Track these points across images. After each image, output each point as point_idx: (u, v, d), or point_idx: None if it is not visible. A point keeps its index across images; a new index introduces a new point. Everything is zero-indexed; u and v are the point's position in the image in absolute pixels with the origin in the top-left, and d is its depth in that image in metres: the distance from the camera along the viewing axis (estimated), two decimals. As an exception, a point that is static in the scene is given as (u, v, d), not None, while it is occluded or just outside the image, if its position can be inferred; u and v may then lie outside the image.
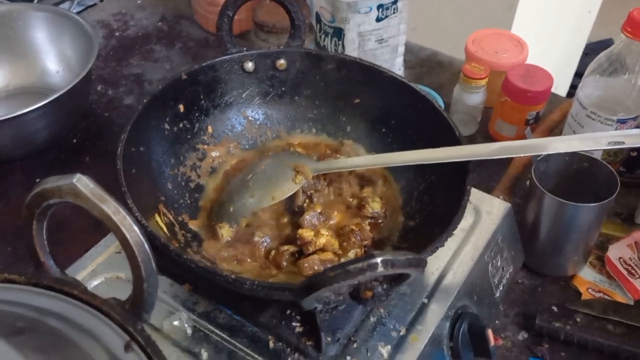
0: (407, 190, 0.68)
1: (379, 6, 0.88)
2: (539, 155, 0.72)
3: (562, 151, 0.63)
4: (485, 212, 0.69)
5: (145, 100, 0.62)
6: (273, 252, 0.61)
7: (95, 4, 1.24)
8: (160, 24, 1.20)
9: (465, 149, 0.61)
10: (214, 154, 0.70)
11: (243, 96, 0.73)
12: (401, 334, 0.57)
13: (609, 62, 0.78)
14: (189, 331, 0.56)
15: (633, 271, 0.75)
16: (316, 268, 0.57)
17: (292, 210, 0.65)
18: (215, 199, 0.67)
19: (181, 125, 0.68)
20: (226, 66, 0.70)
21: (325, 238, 0.59)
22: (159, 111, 0.65)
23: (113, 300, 0.41)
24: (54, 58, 0.99)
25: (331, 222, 0.63)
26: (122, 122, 0.96)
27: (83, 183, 0.37)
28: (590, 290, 0.75)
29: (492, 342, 0.60)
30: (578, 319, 0.71)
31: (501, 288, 0.70)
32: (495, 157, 0.60)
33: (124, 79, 1.06)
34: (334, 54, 0.73)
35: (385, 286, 0.47)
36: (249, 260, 0.60)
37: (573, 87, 1.85)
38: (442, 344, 0.59)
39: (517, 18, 1.48)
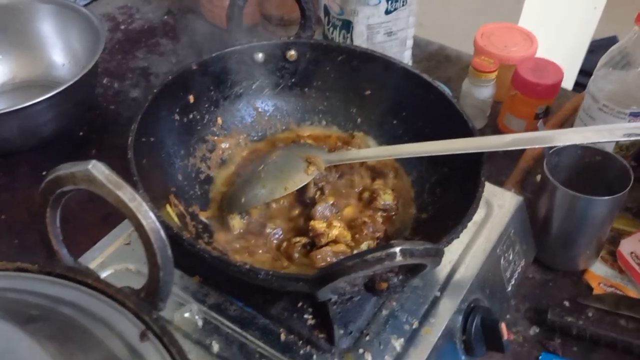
0: (420, 182, 0.67)
1: (388, -2, 0.87)
2: (551, 148, 0.72)
3: (576, 142, 0.63)
4: (497, 206, 0.68)
5: (155, 90, 0.62)
6: (285, 244, 0.60)
7: (101, -3, 1.24)
8: (166, 17, 1.19)
9: (478, 141, 0.60)
10: (223, 145, 0.70)
11: (253, 87, 0.72)
12: (414, 327, 0.56)
13: (621, 55, 0.77)
14: (200, 323, 0.56)
15: (645, 266, 0.74)
16: (329, 260, 0.57)
17: (304, 201, 0.64)
18: (225, 190, 0.67)
19: (191, 116, 0.68)
20: (236, 57, 0.69)
21: (337, 230, 0.59)
22: (169, 102, 0.65)
23: (127, 288, 0.40)
24: (60, 51, 0.98)
25: (343, 214, 0.63)
26: (128, 115, 0.96)
27: (98, 169, 0.37)
28: (602, 285, 0.75)
29: (505, 335, 0.59)
30: (590, 314, 0.70)
31: (513, 282, 0.70)
32: (509, 149, 0.60)
33: (130, 72, 1.05)
34: (345, 45, 0.73)
35: (401, 277, 0.47)
36: (260, 251, 0.60)
37: (577, 85, 1.84)
38: (454, 338, 0.59)
39: (524, 14, 1.47)
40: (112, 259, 0.62)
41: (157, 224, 0.37)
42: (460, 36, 1.13)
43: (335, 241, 0.58)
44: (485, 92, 0.91)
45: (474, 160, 0.59)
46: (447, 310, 0.58)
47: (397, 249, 0.40)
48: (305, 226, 0.61)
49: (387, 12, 0.89)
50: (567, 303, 0.72)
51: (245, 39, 0.70)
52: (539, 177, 0.74)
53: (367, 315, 0.56)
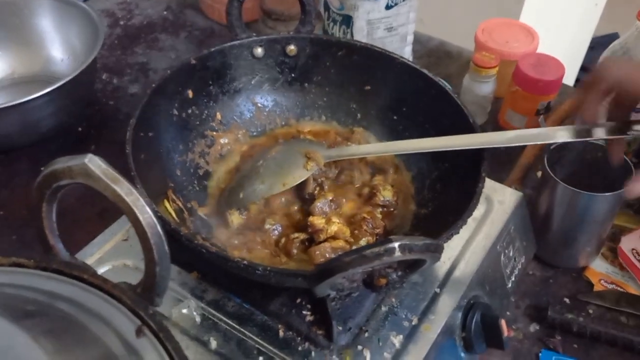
0: (420, 178, 0.67)
1: (389, -7, 0.87)
2: (552, 145, 0.71)
3: (577, 140, 0.62)
4: (497, 202, 0.68)
5: (154, 85, 0.61)
6: (283, 240, 0.60)
7: (100, -7, 1.23)
8: (165, 13, 1.19)
9: (479, 137, 0.60)
10: (222, 140, 0.69)
11: (252, 82, 0.72)
12: (413, 323, 0.56)
13: (622, 51, 0.77)
14: (198, 319, 0.56)
15: (646, 263, 0.74)
16: (327, 256, 0.57)
17: (303, 197, 0.64)
18: (224, 186, 0.66)
19: (190, 111, 0.67)
20: (235, 52, 0.69)
21: (336, 226, 0.58)
22: (167, 96, 0.64)
23: (124, 284, 0.40)
24: (59, 46, 0.98)
25: (342, 210, 0.62)
26: (127, 111, 0.96)
27: (95, 163, 0.36)
28: (602, 281, 0.74)
29: (505, 332, 0.59)
30: (590, 311, 0.70)
31: (513, 279, 0.70)
32: (510, 145, 0.59)
33: (129, 68, 1.05)
34: (345, 40, 0.72)
35: (400, 273, 0.47)
36: (259, 247, 0.59)
37: (579, 81, 1.84)
38: (454, 334, 0.59)
39: (525, 10, 1.46)
40: (110, 254, 0.61)
41: (154, 218, 0.37)
42: (461, 32, 1.12)
43: (334, 237, 0.58)
44: (486, 88, 0.90)
45: (475, 157, 0.59)
46: (446, 307, 0.58)
47: (396, 245, 0.40)
48: (304, 222, 0.60)
49: (388, 7, 0.88)
50: (567, 300, 0.72)
51: (245, 33, 0.69)
52: (539, 174, 0.73)
53: (366, 311, 0.56)
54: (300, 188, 0.64)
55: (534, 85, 0.86)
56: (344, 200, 0.63)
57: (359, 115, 0.73)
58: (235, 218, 0.61)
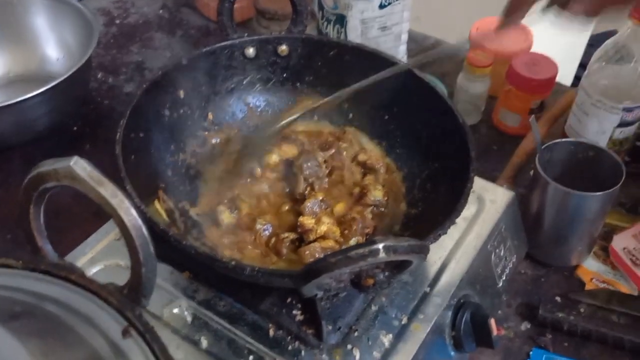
0: (410, 177, 0.67)
1: (383, -7, 0.87)
2: (543, 144, 0.71)
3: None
4: (488, 201, 0.68)
5: (145, 86, 0.62)
6: (273, 240, 0.60)
7: (95, -9, 1.23)
8: (161, 11, 1.19)
9: None
10: (214, 141, 0.69)
11: (244, 83, 0.72)
12: (403, 322, 0.56)
13: (615, 49, 0.77)
14: (189, 319, 0.56)
15: (638, 261, 0.74)
16: (317, 255, 0.57)
17: (294, 197, 0.64)
18: (215, 187, 0.66)
19: (181, 111, 0.67)
20: (227, 52, 0.69)
21: (326, 226, 0.59)
22: (159, 97, 0.65)
23: (111, 285, 0.40)
24: (54, 45, 0.98)
25: (333, 209, 0.63)
26: (122, 110, 0.94)
27: (80, 166, 0.37)
28: (594, 280, 0.74)
29: (494, 331, 0.59)
30: (582, 310, 0.71)
31: (504, 278, 0.70)
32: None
33: (125, 67, 1.05)
34: (337, 40, 0.73)
35: (387, 273, 0.47)
36: (249, 247, 0.60)
37: (577, 78, 1.83)
38: (444, 333, 0.59)
39: (522, 8, 1.46)
40: (103, 254, 0.62)
41: (139, 220, 0.37)
42: (456, 30, 1.12)
43: (324, 237, 0.58)
44: (479, 87, 0.91)
45: (465, 157, 0.59)
46: (436, 306, 0.58)
47: (381, 246, 0.40)
48: (295, 222, 0.61)
49: (381, 7, 0.88)
50: (558, 299, 0.72)
51: (236, 34, 0.69)
52: (532, 173, 0.74)
53: (355, 311, 0.56)
54: (291, 188, 0.64)
55: (527, 85, 0.87)
56: (335, 200, 0.64)
57: (350, 115, 0.73)
58: (226, 217, 0.61)
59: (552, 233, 0.73)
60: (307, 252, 0.57)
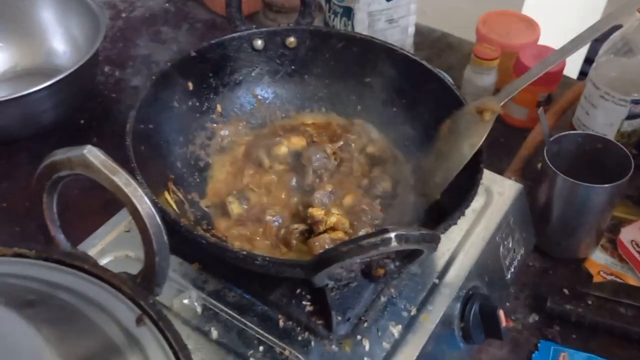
0: (419, 169, 0.67)
1: (390, -15, 0.87)
2: (551, 137, 0.71)
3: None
4: (496, 193, 0.68)
5: (154, 77, 0.62)
6: (283, 231, 0.60)
7: (101, -15, 1.23)
8: (167, 5, 1.19)
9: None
10: (222, 132, 0.69)
11: (252, 75, 0.72)
12: (412, 313, 0.56)
13: (623, 42, 0.77)
14: (199, 309, 0.56)
15: (645, 254, 0.74)
16: (326, 247, 0.57)
17: (303, 189, 0.64)
18: (224, 178, 0.66)
19: (190, 103, 0.67)
20: (235, 44, 0.69)
21: (335, 217, 0.59)
22: (168, 89, 0.65)
23: (124, 274, 0.41)
24: (60, 38, 0.98)
25: (342, 201, 0.63)
26: (129, 103, 0.96)
27: (94, 154, 0.37)
28: (602, 273, 0.74)
29: (503, 322, 0.59)
30: (589, 302, 0.71)
31: (512, 270, 0.70)
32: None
33: (131, 60, 1.05)
34: (345, 32, 0.72)
35: (397, 263, 0.47)
36: (258, 238, 0.60)
37: (582, 73, 1.83)
38: (453, 325, 0.59)
39: (528, 1, 1.46)
40: (112, 246, 0.62)
41: (153, 209, 0.37)
42: (463, 23, 1.12)
43: (333, 228, 0.58)
44: (487, 79, 0.90)
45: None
46: (445, 298, 0.58)
47: (392, 235, 0.40)
48: (304, 214, 0.61)
49: (388, -1, 0.88)
50: (566, 291, 0.72)
51: (244, 26, 0.69)
52: (539, 165, 0.74)
53: (365, 302, 0.56)
54: (300, 179, 0.64)
55: (534, 77, 0.86)
56: (344, 191, 0.64)
57: (359, 106, 0.73)
58: (236, 207, 0.61)
59: (559, 225, 0.73)
60: (317, 243, 0.56)
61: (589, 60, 1.90)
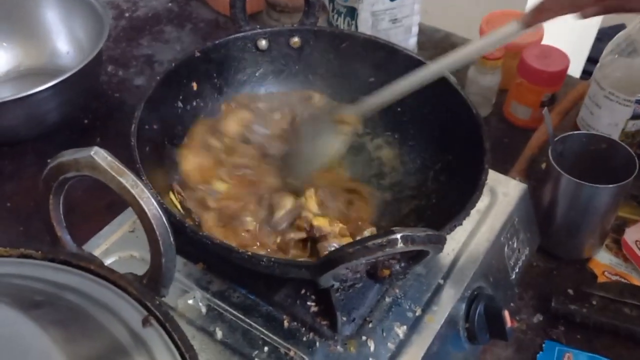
0: (423, 170, 0.67)
1: (393, -15, 0.87)
2: (555, 137, 0.71)
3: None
4: (501, 194, 0.68)
5: (159, 78, 0.62)
6: (279, 239, 0.59)
7: (104, -15, 1.23)
8: (170, 4, 1.19)
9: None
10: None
11: (256, 75, 0.72)
12: (417, 314, 0.56)
13: (627, 42, 0.77)
14: (204, 310, 0.56)
15: (650, 254, 0.74)
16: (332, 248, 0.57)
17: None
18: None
19: (194, 103, 0.68)
20: (239, 44, 0.69)
21: (338, 227, 0.58)
22: (172, 89, 0.65)
23: (130, 275, 0.41)
24: (64, 38, 0.98)
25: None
26: (133, 103, 0.96)
27: (100, 156, 0.37)
28: (606, 273, 0.74)
29: (508, 323, 0.59)
30: (594, 302, 0.70)
31: (517, 270, 0.70)
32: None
33: (135, 60, 1.05)
34: (349, 32, 0.72)
35: (403, 264, 0.47)
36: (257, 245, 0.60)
37: (585, 73, 1.83)
38: (458, 325, 0.59)
39: (531, 1, 1.45)
40: (117, 246, 0.62)
41: (159, 210, 0.37)
42: (466, 23, 1.12)
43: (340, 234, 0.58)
44: (490, 79, 0.90)
45: (479, 148, 0.59)
46: (450, 298, 0.58)
47: (399, 236, 0.40)
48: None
49: (392, -1, 0.88)
50: (571, 291, 0.72)
51: (248, 26, 0.69)
52: (544, 165, 0.74)
53: (370, 302, 0.56)
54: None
55: (538, 77, 0.86)
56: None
57: (363, 107, 0.73)
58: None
59: (564, 226, 0.73)
60: (325, 244, 0.56)
61: (591, 60, 1.90)
